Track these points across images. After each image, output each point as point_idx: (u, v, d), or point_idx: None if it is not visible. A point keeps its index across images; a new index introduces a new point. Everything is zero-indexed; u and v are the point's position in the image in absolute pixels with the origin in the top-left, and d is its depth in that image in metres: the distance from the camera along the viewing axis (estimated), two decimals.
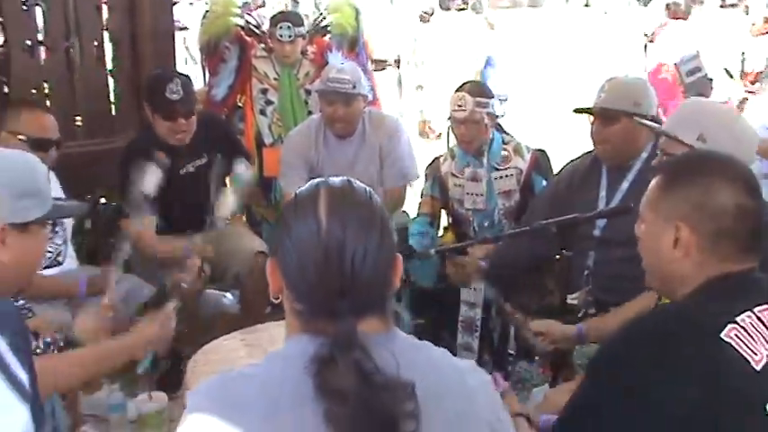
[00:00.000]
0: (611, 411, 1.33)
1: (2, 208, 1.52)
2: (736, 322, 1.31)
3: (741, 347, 1.29)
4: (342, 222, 1.10)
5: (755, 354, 1.29)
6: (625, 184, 2.61)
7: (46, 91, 3.65)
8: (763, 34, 7.04)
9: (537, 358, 3.23)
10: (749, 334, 1.30)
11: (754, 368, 1.28)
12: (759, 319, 1.33)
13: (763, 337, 1.31)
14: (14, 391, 1.24)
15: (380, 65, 7.77)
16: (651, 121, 2.55)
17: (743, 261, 1.41)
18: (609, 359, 1.41)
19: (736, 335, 1.29)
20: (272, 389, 1.07)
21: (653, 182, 1.49)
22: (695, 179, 1.43)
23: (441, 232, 3.37)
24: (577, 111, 2.74)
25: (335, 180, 1.18)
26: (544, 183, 3.06)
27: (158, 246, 3.10)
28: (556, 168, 3.09)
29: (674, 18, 6.16)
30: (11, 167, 1.59)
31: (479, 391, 1.17)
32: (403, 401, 1.04)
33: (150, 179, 2.72)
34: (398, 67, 8.24)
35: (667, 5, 6.27)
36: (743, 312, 1.32)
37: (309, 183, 1.19)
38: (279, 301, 1.19)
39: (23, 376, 1.27)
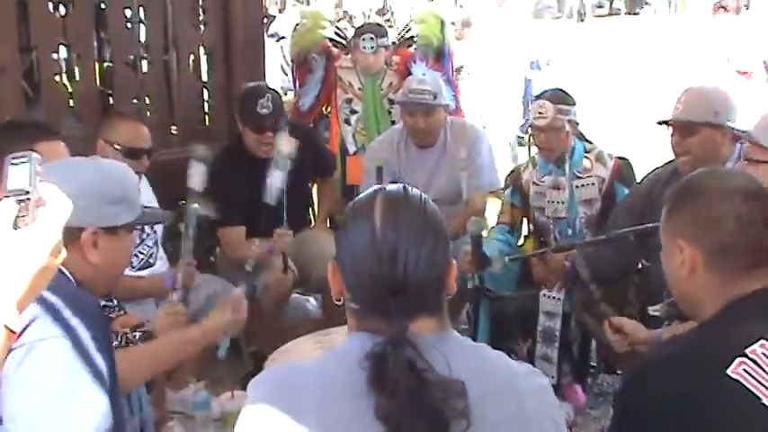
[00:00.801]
0: None
1: (94, 213, 1.64)
2: (745, 355, 1.25)
3: (750, 383, 1.23)
4: (395, 227, 1.15)
5: (767, 387, 1.23)
6: None
7: (146, 102, 3.85)
8: None
9: (619, 372, 3.17)
10: (761, 366, 1.25)
11: (764, 404, 1.22)
12: None
13: None
14: (96, 381, 1.34)
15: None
16: (732, 131, 2.48)
17: (757, 278, 1.36)
18: (624, 392, 1.43)
19: (744, 369, 1.24)
20: (328, 382, 1.12)
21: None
22: (693, 198, 1.43)
23: (521, 241, 3.36)
24: (660, 123, 2.69)
25: (392, 187, 1.23)
26: (626, 191, 3.00)
27: (246, 252, 3.21)
28: (639, 177, 3.03)
29: None
30: (103, 176, 1.72)
31: (532, 395, 1.17)
32: (454, 400, 1.07)
33: (196, 177, 2.81)
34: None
35: None
36: (756, 342, 1.26)
37: (369, 189, 1.24)
38: (342, 303, 1.24)
39: (104, 367, 1.37)
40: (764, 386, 1.24)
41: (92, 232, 1.65)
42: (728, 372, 1.25)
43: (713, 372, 1.26)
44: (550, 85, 7.02)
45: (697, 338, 1.40)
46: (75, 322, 1.36)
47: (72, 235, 1.61)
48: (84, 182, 1.65)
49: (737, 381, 1.24)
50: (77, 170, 1.70)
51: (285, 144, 2.84)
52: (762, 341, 1.27)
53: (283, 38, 9.01)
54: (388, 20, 11.73)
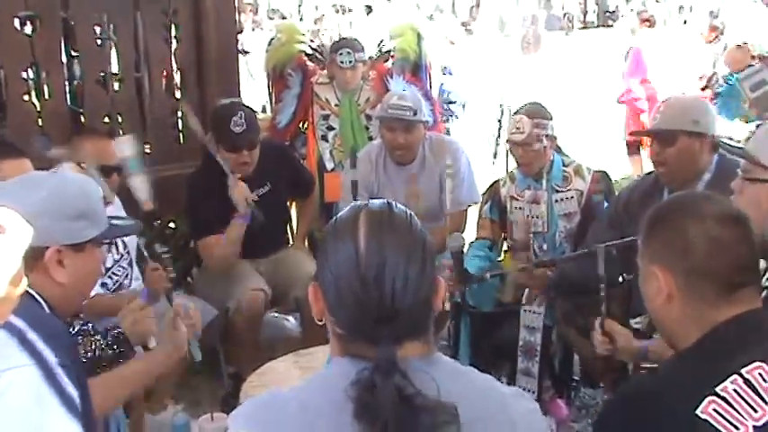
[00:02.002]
0: None
1: (56, 230, 1.58)
2: (716, 393, 1.23)
3: (720, 423, 1.22)
4: (380, 247, 1.09)
5: (737, 427, 1.22)
6: None
7: (118, 120, 3.78)
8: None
9: (601, 385, 3.15)
10: (731, 404, 1.23)
11: None
12: (746, 381, 1.25)
13: (750, 405, 1.23)
14: (66, 409, 1.28)
15: None
16: (712, 140, 2.47)
17: (736, 302, 1.34)
18: (601, 423, 1.41)
19: (714, 409, 1.22)
20: (311, 411, 1.08)
21: None
22: (667, 223, 1.41)
23: (501, 256, 3.34)
24: (633, 134, 2.69)
25: (376, 203, 1.17)
26: (606, 204, 3.00)
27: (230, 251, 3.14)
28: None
29: None
30: (64, 191, 1.65)
31: (523, 419, 1.14)
32: (445, 425, 1.03)
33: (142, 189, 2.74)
34: None
35: None
36: (727, 378, 1.25)
37: (350, 206, 1.18)
38: (323, 323, 1.20)
39: (74, 393, 1.31)
40: (734, 426, 1.22)
41: (56, 250, 1.59)
42: (698, 412, 1.23)
43: (683, 412, 1.24)
44: (461, 88, 7.21)
45: (669, 375, 1.38)
46: (42, 347, 1.30)
47: (35, 255, 1.55)
48: (43, 198, 1.59)
49: (707, 421, 1.22)
50: (36, 186, 1.63)
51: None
52: (734, 376, 1.25)
53: (248, 52, 9.04)
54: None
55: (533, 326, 3.00)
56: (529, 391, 3.02)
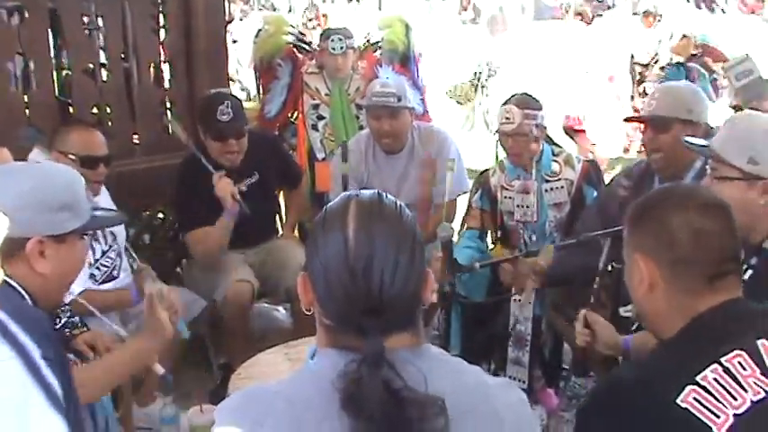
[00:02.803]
0: None
1: (37, 221, 1.58)
2: (696, 383, 1.24)
3: (700, 412, 1.22)
4: (370, 238, 1.08)
5: (718, 416, 1.22)
6: None
7: (107, 111, 3.76)
8: None
9: (592, 374, 3.16)
10: (711, 393, 1.24)
11: None
12: (726, 370, 1.26)
13: (730, 394, 1.24)
14: (50, 402, 1.27)
15: None
16: (705, 128, 2.48)
17: (718, 291, 1.36)
18: (584, 412, 1.42)
19: (695, 398, 1.23)
20: (298, 404, 1.07)
21: None
22: (652, 212, 1.43)
23: (491, 246, 3.34)
24: (627, 120, 2.69)
25: (365, 194, 1.16)
26: (595, 194, 3.00)
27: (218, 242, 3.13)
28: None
29: None
30: (45, 182, 1.64)
31: (510, 410, 1.14)
32: (432, 419, 1.03)
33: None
34: None
35: None
36: (707, 367, 1.26)
37: (340, 196, 1.17)
38: (312, 313, 1.19)
39: (58, 387, 1.30)
40: (715, 414, 1.22)
41: (37, 241, 1.58)
42: (678, 401, 1.24)
43: (664, 401, 1.25)
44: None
45: (651, 364, 1.39)
46: (24, 339, 1.28)
47: (16, 246, 1.55)
48: (24, 190, 1.58)
49: (687, 410, 1.23)
50: (16, 178, 1.62)
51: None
52: (714, 365, 1.26)
53: (235, 41, 9.05)
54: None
55: (523, 315, 3.01)
56: (519, 380, 3.04)
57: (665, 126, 2.53)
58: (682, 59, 6.95)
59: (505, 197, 3.16)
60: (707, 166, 2.09)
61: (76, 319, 2.37)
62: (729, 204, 1.43)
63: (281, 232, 3.70)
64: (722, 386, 1.25)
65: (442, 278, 2.71)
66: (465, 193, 3.46)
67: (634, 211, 1.47)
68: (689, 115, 2.51)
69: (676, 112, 2.52)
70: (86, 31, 3.71)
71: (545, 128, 3.06)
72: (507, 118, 2.97)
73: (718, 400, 1.23)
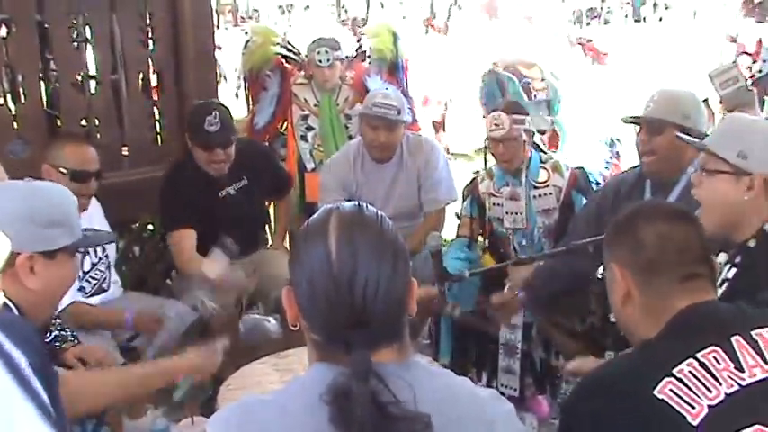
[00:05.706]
0: None
1: (28, 237, 1.58)
2: (672, 375, 1.29)
3: (676, 403, 1.27)
4: (352, 250, 1.09)
5: (693, 407, 1.27)
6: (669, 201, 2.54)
7: (95, 123, 3.75)
8: None
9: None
10: (686, 385, 1.28)
11: (690, 423, 1.25)
12: (702, 364, 1.31)
13: (705, 386, 1.28)
14: (39, 412, 1.27)
15: None
16: (698, 137, 2.49)
17: (691, 293, 1.42)
18: (565, 409, 1.49)
19: (671, 389, 1.28)
20: (288, 417, 1.08)
21: None
22: (624, 225, 1.53)
23: (479, 253, 3.34)
24: (625, 120, 2.69)
25: (346, 206, 1.16)
26: (584, 200, 3.01)
27: (198, 264, 3.12)
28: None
29: None
30: (37, 199, 1.65)
31: (499, 422, 1.14)
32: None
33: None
34: None
35: None
36: (683, 361, 1.31)
37: (321, 209, 1.18)
38: (298, 328, 1.19)
39: (45, 397, 1.30)
40: (690, 405, 1.27)
41: (27, 257, 1.59)
42: (655, 392, 1.28)
43: (641, 393, 1.30)
44: None
45: (630, 359, 1.46)
46: (10, 348, 1.28)
47: (6, 260, 1.55)
48: (16, 206, 1.59)
49: (664, 401, 1.27)
50: (8, 194, 1.64)
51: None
52: (689, 359, 1.31)
53: (219, 48, 9.11)
54: None
55: (513, 323, 3.01)
56: (511, 388, 3.04)
57: (660, 129, 2.53)
58: None
59: (494, 204, 3.17)
60: (696, 161, 2.12)
61: (67, 332, 2.36)
62: (696, 215, 1.54)
63: (270, 243, 3.70)
64: (698, 379, 1.29)
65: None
66: (453, 201, 3.46)
67: (611, 227, 1.57)
68: (685, 121, 2.51)
69: (672, 117, 2.52)
70: (74, 44, 3.70)
71: (533, 133, 3.08)
72: (496, 125, 2.98)
73: (693, 391, 1.28)
